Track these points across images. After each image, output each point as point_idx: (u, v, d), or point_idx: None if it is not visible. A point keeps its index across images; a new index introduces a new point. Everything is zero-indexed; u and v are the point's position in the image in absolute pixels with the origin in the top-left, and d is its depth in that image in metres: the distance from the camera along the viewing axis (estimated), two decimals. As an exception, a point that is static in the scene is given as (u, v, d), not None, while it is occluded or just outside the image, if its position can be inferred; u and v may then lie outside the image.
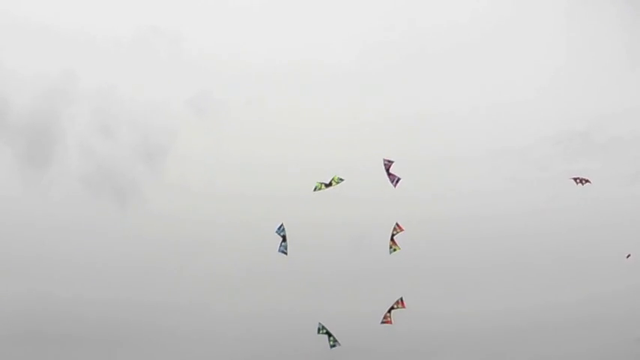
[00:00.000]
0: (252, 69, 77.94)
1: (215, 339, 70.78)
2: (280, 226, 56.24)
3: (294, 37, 79.97)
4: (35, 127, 76.14)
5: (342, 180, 55.17)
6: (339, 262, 70.43)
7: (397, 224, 56.93)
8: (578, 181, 59.29)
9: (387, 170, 56.54)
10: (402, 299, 57.17)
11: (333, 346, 56.50)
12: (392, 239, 57.19)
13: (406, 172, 71.52)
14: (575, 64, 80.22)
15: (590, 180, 59.12)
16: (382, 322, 57.72)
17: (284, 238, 55.76)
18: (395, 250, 56.89)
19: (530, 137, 77.62)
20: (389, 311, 56.98)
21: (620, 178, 72.79)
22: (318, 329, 56.92)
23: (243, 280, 71.64)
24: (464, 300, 72.07)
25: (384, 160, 56.64)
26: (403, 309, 57.16)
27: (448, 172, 75.10)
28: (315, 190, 55.20)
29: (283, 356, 70.31)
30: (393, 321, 57.23)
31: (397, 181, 56.54)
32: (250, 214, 71.69)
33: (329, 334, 56.64)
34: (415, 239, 69.32)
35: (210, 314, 71.13)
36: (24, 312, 69.42)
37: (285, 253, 56.22)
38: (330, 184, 55.34)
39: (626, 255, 60.81)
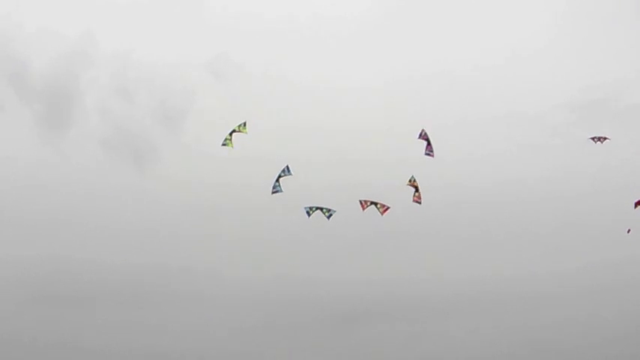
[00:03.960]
0: (270, 31, 78.10)
1: (230, 302, 71.18)
2: (286, 168, 55.16)
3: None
4: (54, 90, 76.58)
5: (245, 126, 54.22)
6: (353, 226, 70.53)
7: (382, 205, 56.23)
8: (596, 139, 58.38)
9: (426, 140, 55.94)
10: (385, 207, 56.09)
11: (330, 215, 55.50)
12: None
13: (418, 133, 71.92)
14: (592, 30, 79.81)
15: (608, 137, 58.27)
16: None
17: (279, 177, 54.85)
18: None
19: (546, 103, 77.51)
20: (372, 204, 55.92)
21: (637, 146, 72.47)
22: (307, 212, 55.17)
23: (259, 244, 71.95)
24: (475, 265, 72.21)
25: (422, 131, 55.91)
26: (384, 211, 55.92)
27: (461, 135, 75.09)
28: (224, 145, 54.14)
29: (297, 320, 70.70)
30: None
31: (431, 152, 56.05)
32: (268, 178, 71.84)
33: (320, 209, 55.19)
34: (427, 204, 69.72)
35: (225, 278, 71.37)
36: (42, 275, 70.07)
37: (279, 191, 55.12)
38: (235, 131, 54.03)
39: (627, 230, 60.10)
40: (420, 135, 55.61)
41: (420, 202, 55.98)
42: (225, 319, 70.15)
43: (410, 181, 55.87)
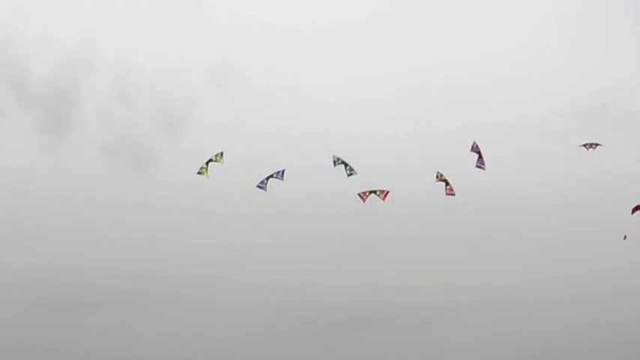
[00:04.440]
0: (271, 38, 78.42)
1: (229, 308, 71.30)
2: (281, 172, 55.87)
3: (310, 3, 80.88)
4: (55, 96, 76.66)
5: (222, 156, 55.12)
6: (354, 232, 70.60)
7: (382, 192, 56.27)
8: (588, 146, 58.68)
9: (478, 153, 56.45)
10: (385, 192, 56.43)
11: (350, 174, 55.49)
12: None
13: (420, 141, 71.98)
14: (592, 38, 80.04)
15: (600, 143, 58.58)
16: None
17: (269, 177, 55.44)
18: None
19: (547, 110, 77.59)
20: (371, 192, 56.07)
21: (637, 153, 72.49)
22: (334, 162, 55.54)
23: (259, 250, 71.91)
24: (475, 271, 72.29)
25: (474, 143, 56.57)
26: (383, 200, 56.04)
27: (461, 142, 74.88)
28: (199, 173, 55.10)
29: (296, 326, 70.82)
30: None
31: (482, 165, 56.61)
32: (268, 183, 71.98)
33: (345, 164, 55.44)
34: (425, 209, 69.80)
35: (225, 283, 71.48)
36: (43, 281, 70.05)
37: (263, 189, 55.69)
38: (211, 161, 55.02)
39: (624, 236, 60.11)
40: (472, 148, 55.96)
41: (453, 194, 56.18)
42: (224, 325, 70.23)
43: (437, 177, 56.06)
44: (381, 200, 55.68)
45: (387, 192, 55.35)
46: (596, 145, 58.43)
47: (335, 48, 79.39)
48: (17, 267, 69.45)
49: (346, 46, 79.68)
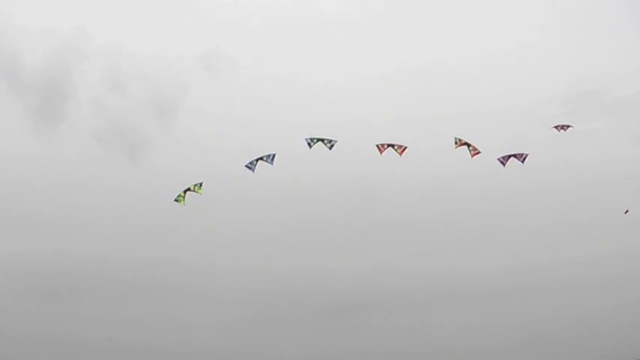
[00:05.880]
0: (262, 25, 78.80)
1: (221, 295, 71.55)
2: (271, 156, 55.65)
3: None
4: (47, 84, 76.82)
5: (201, 186, 55.09)
6: (344, 218, 70.81)
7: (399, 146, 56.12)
8: (559, 128, 58.80)
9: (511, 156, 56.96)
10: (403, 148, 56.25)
11: (332, 146, 54.56)
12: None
13: (411, 127, 72.03)
14: (583, 25, 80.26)
15: (571, 125, 58.81)
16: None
17: (259, 159, 55.20)
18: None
19: (539, 96, 77.71)
20: (389, 146, 55.61)
21: (628, 137, 72.71)
22: (309, 144, 54.85)
23: (251, 237, 72.13)
24: (469, 258, 72.66)
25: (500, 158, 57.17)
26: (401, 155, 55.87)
27: (452, 128, 75.09)
28: (176, 200, 55.19)
29: (290, 312, 71.06)
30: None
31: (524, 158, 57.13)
32: (260, 171, 72.00)
33: (321, 140, 54.68)
34: (418, 196, 69.96)
35: (217, 270, 71.64)
36: (36, 269, 70.25)
37: (251, 169, 55.64)
38: (189, 190, 55.16)
39: (625, 210, 60.34)
40: (503, 163, 56.39)
41: (479, 152, 56.43)
42: (216, 312, 70.50)
43: (456, 142, 56.26)
44: (399, 154, 55.46)
45: (405, 147, 55.13)
46: (568, 126, 58.47)
47: (327, 36, 79.60)
48: (10, 255, 69.36)
49: (338, 34, 79.86)
